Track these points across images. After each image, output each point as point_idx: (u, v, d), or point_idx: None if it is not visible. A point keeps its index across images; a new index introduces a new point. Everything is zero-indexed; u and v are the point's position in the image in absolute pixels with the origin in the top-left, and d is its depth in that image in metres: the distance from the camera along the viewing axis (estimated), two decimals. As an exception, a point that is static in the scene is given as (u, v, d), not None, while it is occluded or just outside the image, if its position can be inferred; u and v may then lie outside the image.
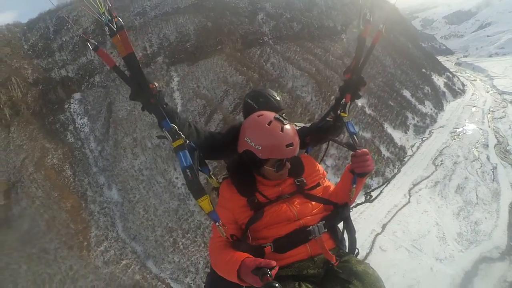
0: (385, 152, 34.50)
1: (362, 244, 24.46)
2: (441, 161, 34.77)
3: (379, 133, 36.10)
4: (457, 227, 26.04)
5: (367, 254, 23.79)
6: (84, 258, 24.67)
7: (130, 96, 1.70)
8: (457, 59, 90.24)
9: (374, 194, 30.15)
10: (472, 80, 64.12)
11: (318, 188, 2.06)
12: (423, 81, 49.83)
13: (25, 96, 34.59)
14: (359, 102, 38.89)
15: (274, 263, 1.38)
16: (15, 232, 27.13)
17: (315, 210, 1.95)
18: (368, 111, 38.48)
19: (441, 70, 58.14)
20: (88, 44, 1.54)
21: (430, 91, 48.69)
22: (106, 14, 1.51)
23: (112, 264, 24.28)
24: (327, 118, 2.39)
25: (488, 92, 55.42)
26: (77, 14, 43.24)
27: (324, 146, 2.70)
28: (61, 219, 27.04)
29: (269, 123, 1.83)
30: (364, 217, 27.53)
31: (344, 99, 2.32)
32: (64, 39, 41.08)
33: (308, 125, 2.54)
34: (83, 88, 37.98)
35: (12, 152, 31.73)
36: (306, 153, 2.57)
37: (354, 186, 1.98)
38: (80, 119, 35.23)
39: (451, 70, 64.66)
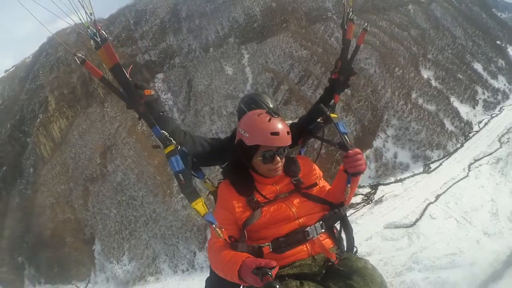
0: (449, 126, 34.42)
1: (413, 210, 25.78)
2: (508, 138, 33.40)
3: (445, 107, 35.76)
4: None
5: (416, 220, 24.77)
6: (166, 203, 30.24)
7: (127, 106, 1.77)
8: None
9: (433, 166, 30.87)
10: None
11: (315, 187, 2.11)
12: (497, 53, 46.52)
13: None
14: (425, 74, 38.78)
15: (274, 263, 1.38)
16: (108, 184, 34.25)
17: (313, 209, 1.98)
18: (434, 83, 38.01)
19: (519, 42, 53.24)
20: (75, 58, 1.57)
21: (504, 64, 45.44)
22: (91, 28, 1.56)
23: (189, 208, 28.81)
24: (318, 120, 2.42)
25: None
26: (153, 6, 48.70)
27: (317, 146, 2.67)
28: (149, 172, 32.98)
29: (259, 115, 1.96)
30: (420, 186, 28.52)
31: (332, 100, 2.39)
32: (144, 29, 46.73)
33: (296, 120, 2.57)
34: (165, 69, 43.53)
35: (107, 123, 38.87)
36: (300, 155, 2.64)
37: (349, 185, 2.01)
38: (164, 95, 40.96)
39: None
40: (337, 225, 2.08)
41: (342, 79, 2.37)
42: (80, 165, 36.95)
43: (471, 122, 36.22)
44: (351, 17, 2.31)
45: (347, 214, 2.09)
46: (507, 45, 50.79)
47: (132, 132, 36.71)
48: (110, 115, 39.05)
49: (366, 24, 2.40)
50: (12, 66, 61.58)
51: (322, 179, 2.24)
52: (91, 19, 1.53)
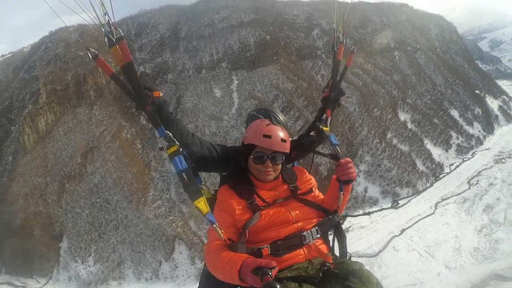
0: (420, 166, 36.21)
1: (377, 242, 26.95)
2: (477, 181, 35.20)
3: (418, 148, 37.82)
4: (476, 242, 26.68)
5: (380, 251, 25.95)
6: (139, 211, 31.05)
7: (136, 105, 1.78)
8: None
9: (401, 202, 32.25)
10: (534, 107, 60.50)
11: (310, 194, 2.19)
12: (475, 102, 49.40)
13: (109, 83, 41.63)
14: (402, 117, 41.12)
15: (274, 263, 1.39)
16: (85, 184, 34.69)
17: (310, 215, 2.05)
18: (410, 125, 40.35)
19: (497, 93, 56.46)
20: (88, 52, 1.60)
21: (481, 112, 48.18)
22: (106, 26, 1.61)
23: (160, 218, 30.26)
24: (311, 133, 2.56)
25: (549, 120, 52.03)
26: (155, 21, 51.43)
27: (311, 158, 2.77)
28: (127, 179, 33.80)
29: (262, 120, 2.16)
30: (386, 220, 29.82)
31: (325, 115, 2.55)
32: (143, 41, 49.01)
33: (296, 137, 2.67)
34: (157, 83, 45.15)
35: (93, 125, 39.60)
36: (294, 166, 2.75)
37: (341, 193, 2.11)
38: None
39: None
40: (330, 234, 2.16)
41: (333, 96, 2.53)
42: (60, 161, 37.35)
43: (443, 164, 38.07)
44: (341, 40, 2.49)
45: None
46: (486, 95, 53.72)
47: (116, 138, 37.68)
48: (97, 118, 39.95)
49: (353, 47, 2.59)
50: (9, 53, 61.62)
51: (317, 189, 2.31)
52: (105, 19, 1.60)
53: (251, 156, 2.08)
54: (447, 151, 40.14)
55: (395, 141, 37.37)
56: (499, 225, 28.41)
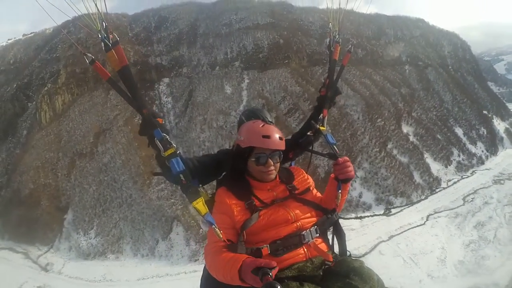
0: (417, 178, 36.87)
1: (364, 244, 27.58)
2: (472, 198, 35.38)
3: (417, 161, 38.46)
4: (462, 255, 26.90)
5: (366, 253, 26.56)
6: (144, 191, 32.72)
7: (134, 108, 1.84)
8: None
9: (394, 210, 32.96)
10: (544, 133, 60.17)
11: (308, 193, 2.18)
12: (481, 122, 49.84)
13: (125, 72, 44.28)
14: (405, 129, 41.94)
15: (274, 263, 1.37)
16: (95, 162, 36.62)
17: (308, 214, 2.04)
18: (412, 138, 41.12)
19: (506, 115, 56.77)
20: (85, 57, 1.64)
21: (486, 133, 48.58)
22: (102, 31, 1.66)
23: (162, 199, 31.83)
24: (308, 133, 2.59)
25: (556, 147, 51.62)
26: (175, 16, 53.31)
27: (308, 158, 2.71)
28: (135, 161, 35.53)
29: (254, 122, 2.16)
30: (377, 226, 30.49)
31: (321, 114, 2.61)
32: (162, 35, 50.84)
33: (289, 137, 2.67)
34: (172, 75, 47.17)
35: (108, 109, 41.69)
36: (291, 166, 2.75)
37: (340, 192, 2.10)
38: (165, 98, 44.69)
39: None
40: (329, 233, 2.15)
41: (329, 95, 2.56)
42: (73, 139, 39.22)
43: (440, 179, 38.50)
44: (337, 40, 2.54)
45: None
46: (494, 116, 54.06)
47: (129, 123, 39.41)
48: (112, 103, 41.79)
49: (349, 46, 2.64)
50: (31, 33, 63.16)
51: (314, 188, 2.30)
52: (102, 24, 1.66)
53: (253, 159, 2.05)
54: (446, 167, 40.56)
55: (395, 151, 38.20)
56: (488, 242, 28.45)
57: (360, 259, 1.87)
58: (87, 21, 1.72)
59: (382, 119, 41.18)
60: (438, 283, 24.26)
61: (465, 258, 26.81)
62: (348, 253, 2.15)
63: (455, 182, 38.92)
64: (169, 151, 1.87)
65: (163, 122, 1.94)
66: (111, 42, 1.73)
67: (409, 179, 36.20)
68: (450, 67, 59.08)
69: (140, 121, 1.90)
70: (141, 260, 28.35)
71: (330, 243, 2.12)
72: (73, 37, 47.48)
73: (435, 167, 39.58)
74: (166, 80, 46.86)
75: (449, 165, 41.09)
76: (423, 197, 35.65)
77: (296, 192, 2.13)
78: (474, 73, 63.10)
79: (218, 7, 54.20)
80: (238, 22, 50.18)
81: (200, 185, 2.25)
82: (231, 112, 39.21)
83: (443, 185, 38.14)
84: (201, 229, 28.97)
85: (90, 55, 1.68)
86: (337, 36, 2.56)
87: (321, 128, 2.50)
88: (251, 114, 2.57)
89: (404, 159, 37.94)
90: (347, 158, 2.14)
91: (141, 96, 1.87)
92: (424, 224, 31.34)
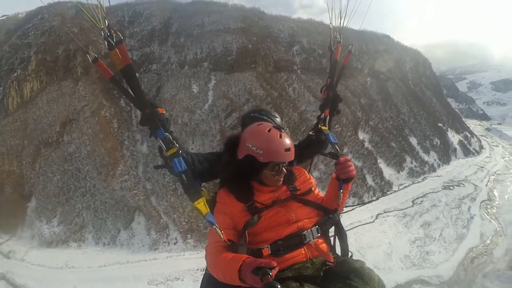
0: (370, 181, 38.82)
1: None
2: (421, 201, 37.52)
3: (370, 165, 40.52)
4: (408, 250, 28.49)
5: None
6: (107, 182, 32.72)
7: (137, 108, 1.84)
8: (490, 125, 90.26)
9: (345, 209, 34.57)
10: (494, 145, 64.71)
11: (310, 194, 2.15)
12: (435, 133, 52.75)
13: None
14: (361, 136, 44.15)
15: (274, 263, 1.38)
16: (60, 151, 36.14)
17: (309, 214, 2.03)
18: (367, 145, 43.27)
19: (460, 128, 60.18)
20: (88, 55, 1.64)
21: (439, 143, 51.46)
22: (105, 29, 1.66)
23: (125, 190, 31.99)
24: (310, 133, 2.68)
25: (503, 158, 55.92)
26: (150, 12, 53.56)
27: (312, 159, 2.73)
28: (100, 152, 35.40)
29: (269, 130, 1.98)
30: None
31: (323, 114, 2.65)
32: (135, 30, 50.79)
33: (296, 143, 2.57)
34: (141, 71, 46.69)
35: (75, 99, 40.93)
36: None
37: (341, 191, 2.11)
38: (133, 92, 44.58)
39: (477, 133, 66.40)
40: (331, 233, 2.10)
41: (331, 95, 2.59)
42: (39, 127, 38.46)
43: (392, 183, 40.66)
44: (339, 40, 2.56)
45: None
46: (448, 129, 57.29)
47: (96, 114, 39.18)
48: (80, 94, 41.36)
49: (350, 46, 2.63)
50: (3, 15, 60.71)
51: (316, 188, 2.29)
52: (105, 23, 1.65)
53: (272, 172, 2.00)
54: (398, 172, 42.80)
55: (350, 156, 40.06)
56: (433, 240, 30.19)
57: (361, 259, 1.89)
58: (90, 19, 1.74)
59: (340, 125, 43.16)
60: (383, 274, 24.53)
61: (411, 253, 28.36)
62: (349, 253, 2.16)
63: (406, 187, 41.03)
64: (172, 151, 1.89)
65: (163, 112, 1.95)
66: (114, 40, 1.75)
67: (362, 181, 37.99)
68: (410, 82, 62.64)
69: (140, 117, 1.92)
70: (102, 248, 28.47)
71: (332, 243, 2.14)
72: (46, 24, 46.80)
73: (388, 171, 41.72)
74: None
75: (402, 171, 43.35)
76: (374, 198, 37.48)
77: (298, 193, 2.13)
78: (433, 89, 67.09)
79: (192, 8, 55.22)
80: (210, 24, 51.28)
81: (202, 184, 2.28)
82: (196, 110, 39.93)
83: (395, 188, 40.20)
84: (162, 219, 29.68)
85: (93, 53, 1.71)
86: (338, 36, 2.63)
87: (323, 127, 2.59)
88: (262, 112, 2.59)
89: (358, 163, 39.75)
90: (348, 158, 2.17)
91: (144, 95, 1.87)
92: (373, 222, 33.00)
